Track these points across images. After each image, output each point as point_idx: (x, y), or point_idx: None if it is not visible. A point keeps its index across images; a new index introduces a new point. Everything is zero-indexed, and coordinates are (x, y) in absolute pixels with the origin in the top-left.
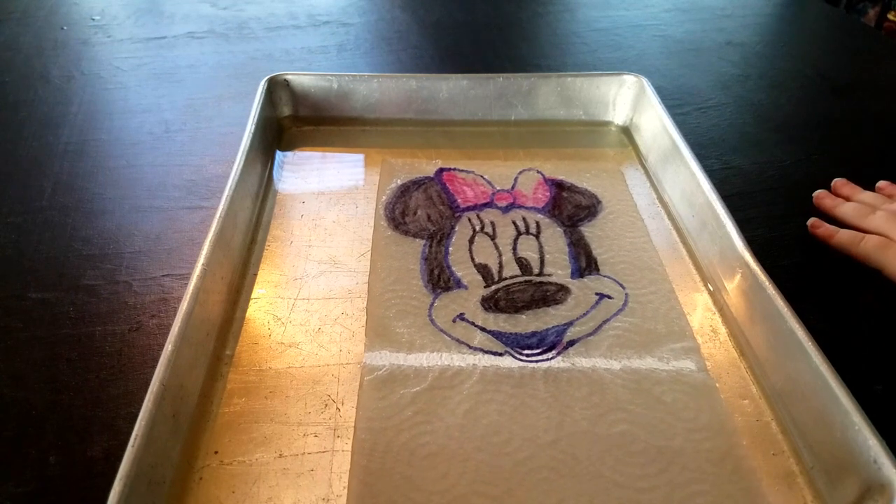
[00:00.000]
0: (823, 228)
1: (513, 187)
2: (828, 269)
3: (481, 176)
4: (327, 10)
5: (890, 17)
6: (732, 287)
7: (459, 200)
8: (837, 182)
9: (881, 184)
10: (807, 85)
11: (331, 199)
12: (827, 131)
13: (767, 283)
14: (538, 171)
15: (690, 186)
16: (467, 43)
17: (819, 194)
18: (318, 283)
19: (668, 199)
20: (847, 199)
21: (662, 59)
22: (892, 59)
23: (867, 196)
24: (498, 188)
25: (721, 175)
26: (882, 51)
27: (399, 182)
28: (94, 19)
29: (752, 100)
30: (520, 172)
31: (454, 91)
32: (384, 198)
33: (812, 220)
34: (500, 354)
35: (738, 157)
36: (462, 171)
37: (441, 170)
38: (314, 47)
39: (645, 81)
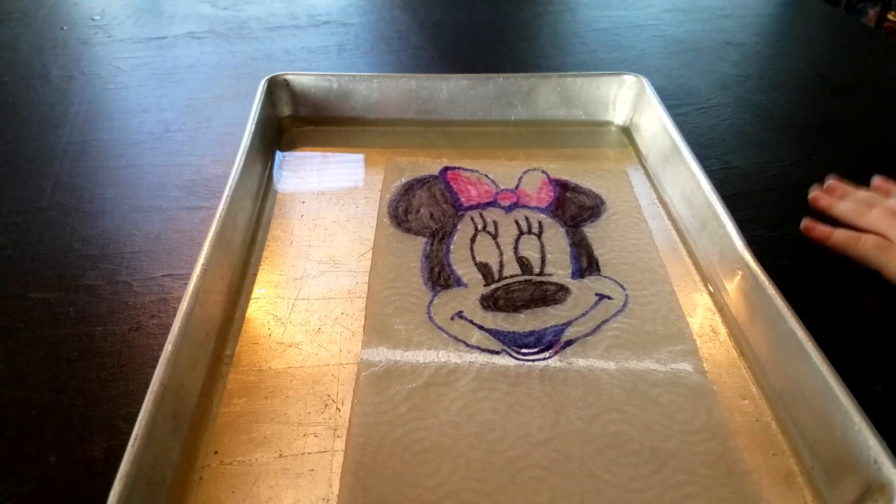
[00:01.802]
0: (818, 230)
1: (517, 187)
2: (828, 269)
3: (486, 175)
4: (327, 10)
5: (890, 17)
6: (732, 287)
7: (463, 199)
8: (831, 183)
9: (876, 181)
10: (807, 85)
11: (331, 199)
12: (827, 131)
13: (767, 283)
14: (543, 171)
15: (690, 186)
16: (467, 43)
17: (815, 195)
18: (318, 283)
19: (668, 199)
20: (842, 198)
21: (662, 59)
22: (892, 59)
23: (863, 194)
24: (502, 188)
25: (721, 175)
26: (882, 51)
27: (403, 180)
28: (94, 19)
29: (752, 100)
30: (524, 172)
31: (454, 91)
32: (388, 195)
33: (805, 223)
34: (497, 353)
35: (738, 157)
36: (466, 170)
37: (445, 168)
38: (314, 47)
39: (645, 81)
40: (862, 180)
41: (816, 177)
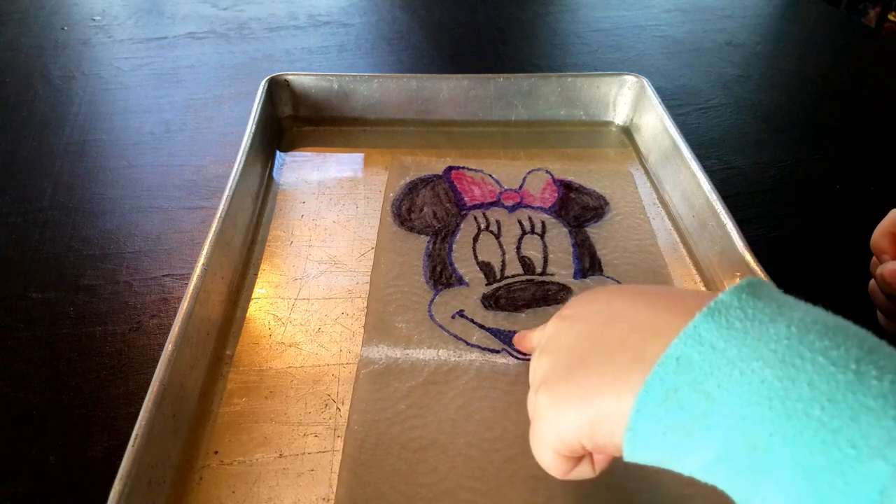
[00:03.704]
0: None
1: (521, 187)
2: (828, 269)
3: (490, 175)
4: (328, 11)
5: (890, 17)
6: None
7: (466, 199)
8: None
9: None
10: (807, 85)
11: (331, 199)
12: (827, 131)
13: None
14: (547, 172)
15: (691, 187)
16: (468, 43)
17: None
18: (318, 283)
19: (668, 200)
20: None
21: (663, 59)
22: (892, 59)
23: None
24: (506, 188)
25: (721, 175)
26: (882, 51)
27: (408, 179)
28: (94, 20)
29: (753, 100)
30: (529, 172)
31: (454, 91)
32: (392, 194)
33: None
34: (497, 352)
35: (739, 158)
36: (471, 169)
37: (450, 168)
38: (315, 48)
39: (645, 82)
40: (862, 180)
41: (816, 177)
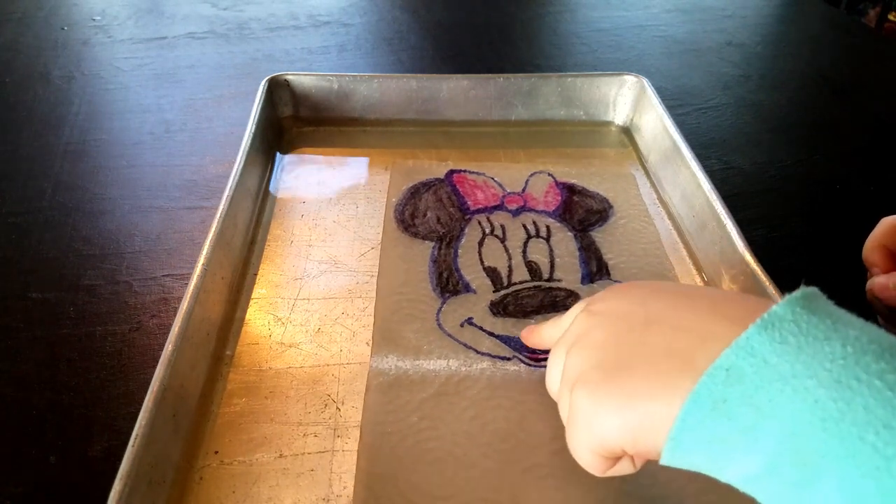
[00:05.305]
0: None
1: (524, 190)
2: (828, 269)
3: (492, 178)
4: (328, 11)
5: (890, 17)
6: (732, 287)
7: (469, 203)
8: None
9: None
10: (807, 85)
11: (331, 198)
12: (827, 131)
13: (768, 283)
14: (549, 174)
15: (691, 187)
16: (467, 43)
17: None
18: (319, 283)
19: (668, 200)
20: None
21: (663, 59)
22: (892, 59)
23: None
24: (508, 191)
25: (721, 175)
26: (882, 51)
27: (410, 184)
28: (94, 20)
29: (753, 100)
30: (531, 175)
31: (454, 91)
32: (394, 199)
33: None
34: (508, 359)
35: (739, 158)
36: (473, 172)
37: (451, 171)
38: (315, 48)
39: (645, 82)
40: (862, 180)
41: (816, 177)
